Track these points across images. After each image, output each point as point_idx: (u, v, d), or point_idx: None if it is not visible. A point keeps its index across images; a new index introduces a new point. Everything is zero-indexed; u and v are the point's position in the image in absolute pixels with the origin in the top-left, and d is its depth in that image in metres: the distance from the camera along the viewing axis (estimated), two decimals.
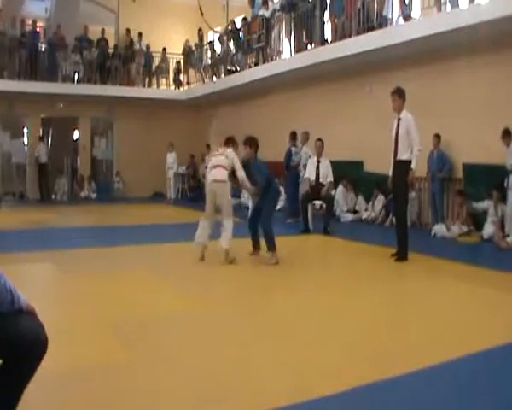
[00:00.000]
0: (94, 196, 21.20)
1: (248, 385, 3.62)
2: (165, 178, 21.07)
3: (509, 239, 9.50)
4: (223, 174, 8.12)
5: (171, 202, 19.82)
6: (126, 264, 8.11)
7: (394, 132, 8.37)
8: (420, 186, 12.40)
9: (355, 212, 13.99)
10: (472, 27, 9.74)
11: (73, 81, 20.60)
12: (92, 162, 22.92)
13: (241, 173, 8.22)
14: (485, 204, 10.36)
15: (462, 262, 8.09)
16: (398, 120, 8.37)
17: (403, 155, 8.24)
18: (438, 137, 11.71)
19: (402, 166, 8.21)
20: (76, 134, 23.00)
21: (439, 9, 10.95)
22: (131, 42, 21.91)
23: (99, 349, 4.29)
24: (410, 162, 8.16)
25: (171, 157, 20.65)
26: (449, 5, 10.74)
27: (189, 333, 4.83)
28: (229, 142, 8.54)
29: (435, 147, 11.79)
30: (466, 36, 10.29)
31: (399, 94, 8.42)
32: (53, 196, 20.52)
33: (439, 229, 10.93)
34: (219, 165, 8.16)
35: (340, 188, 13.98)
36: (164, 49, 21.95)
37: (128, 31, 22.09)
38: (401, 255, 8.19)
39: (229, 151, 8.31)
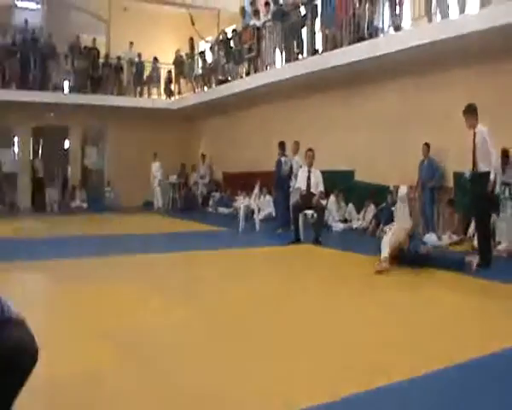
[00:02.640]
0: (85, 205, 21.08)
1: (238, 398, 3.58)
2: (152, 188, 21.10)
3: (500, 247, 9.54)
4: None
5: (161, 212, 19.78)
6: (118, 274, 8.05)
7: (472, 146, 8.42)
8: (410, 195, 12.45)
9: (346, 221, 14.02)
10: (462, 37, 9.81)
11: (64, 90, 20.60)
12: (83, 172, 22.87)
13: None
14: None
15: (452, 271, 8.08)
16: (474, 133, 8.41)
17: (482, 168, 8.32)
18: (427, 145, 11.77)
19: (482, 179, 8.29)
20: (67, 144, 22.94)
21: (430, 19, 11.01)
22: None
23: (90, 359, 4.24)
24: (488, 173, 8.24)
25: (154, 166, 20.73)
26: (439, 15, 10.81)
27: (181, 344, 4.78)
28: None
29: (425, 156, 11.85)
30: (456, 46, 10.36)
31: (470, 111, 8.43)
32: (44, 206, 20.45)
33: (430, 238, 10.95)
34: None
35: (332, 198, 14.00)
36: (155, 58, 21.96)
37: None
38: (485, 263, 8.31)
39: None
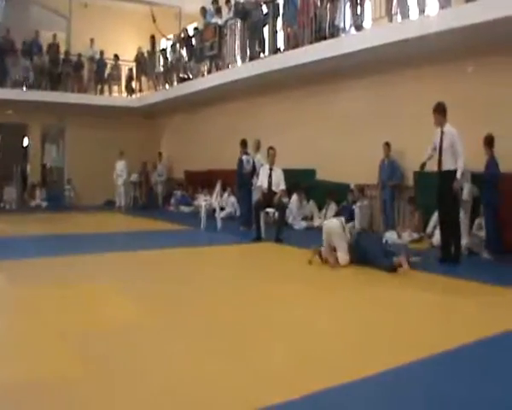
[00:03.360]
0: (44, 204, 20.72)
1: (203, 398, 3.56)
2: (115, 186, 20.49)
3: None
4: None
5: (122, 210, 19.58)
6: (78, 274, 7.92)
7: (438, 145, 8.63)
8: (371, 194, 12.58)
9: (307, 219, 14.05)
10: (422, 38, 9.92)
11: (23, 87, 20.23)
12: (43, 170, 22.54)
13: None
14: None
15: (411, 269, 8.15)
16: (442, 133, 8.60)
17: (448, 166, 8.53)
18: (388, 145, 11.87)
19: (448, 176, 8.49)
20: (26, 141, 22.57)
21: (390, 20, 11.11)
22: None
23: (49, 363, 4.14)
24: (455, 172, 8.43)
25: (120, 165, 20.28)
26: (399, 16, 10.91)
27: (143, 345, 4.70)
28: None
29: (386, 155, 11.95)
30: (416, 46, 10.48)
31: (439, 110, 8.64)
32: (1, 205, 20.07)
33: (390, 236, 11.04)
34: None
35: (294, 197, 14.01)
36: (116, 55, 21.72)
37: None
38: (455, 258, 8.63)
39: None
